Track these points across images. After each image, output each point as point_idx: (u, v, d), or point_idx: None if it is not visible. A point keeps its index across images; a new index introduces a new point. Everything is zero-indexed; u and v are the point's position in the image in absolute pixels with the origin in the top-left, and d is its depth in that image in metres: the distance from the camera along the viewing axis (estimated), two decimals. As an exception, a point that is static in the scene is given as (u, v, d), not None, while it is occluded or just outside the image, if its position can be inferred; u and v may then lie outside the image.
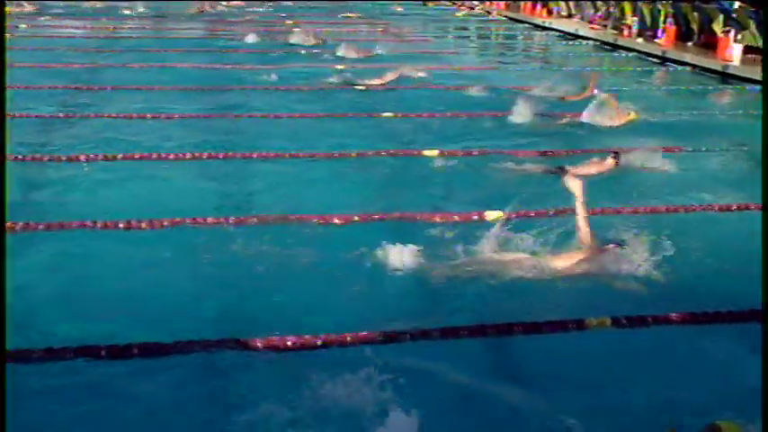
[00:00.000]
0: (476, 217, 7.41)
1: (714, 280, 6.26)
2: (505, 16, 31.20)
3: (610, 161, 9.05)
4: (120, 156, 9.17)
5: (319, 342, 4.99)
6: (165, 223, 6.97)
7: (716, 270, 6.40)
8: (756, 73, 16.19)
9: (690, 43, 20.41)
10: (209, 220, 7.11)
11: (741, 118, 12.71)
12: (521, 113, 11.96)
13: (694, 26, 20.56)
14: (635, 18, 22.58)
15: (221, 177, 8.72)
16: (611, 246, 6.36)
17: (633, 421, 4.36)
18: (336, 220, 7.21)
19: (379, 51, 18.88)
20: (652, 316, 5.47)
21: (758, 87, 15.45)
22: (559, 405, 4.44)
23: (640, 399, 4.57)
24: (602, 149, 9.87)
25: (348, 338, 5.03)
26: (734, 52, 17.32)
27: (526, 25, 28.27)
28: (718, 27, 19.14)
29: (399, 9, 33.00)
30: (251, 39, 20.93)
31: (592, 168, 9.01)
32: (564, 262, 6.28)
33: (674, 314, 5.49)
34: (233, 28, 24.33)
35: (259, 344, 4.91)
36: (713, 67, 17.47)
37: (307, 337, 5.00)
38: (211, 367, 4.81)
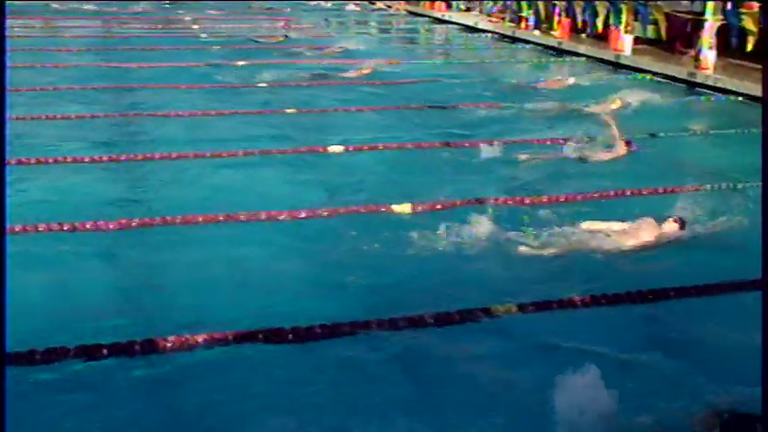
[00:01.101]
0: (383, 210, 7.47)
1: (615, 264, 6.49)
2: (406, 10, 31.43)
3: (623, 147, 9.58)
4: (14, 161, 8.82)
5: (232, 337, 4.94)
6: (66, 227, 6.76)
7: (617, 254, 6.64)
8: (645, 62, 16.86)
9: (584, 35, 21.06)
10: (111, 224, 6.93)
11: (635, 105, 13.18)
12: (426, 106, 12.12)
13: (586, 18, 21.24)
14: (531, 11, 23.14)
15: (122, 180, 8.51)
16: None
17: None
18: (242, 218, 7.14)
19: (284, 48, 18.78)
20: (557, 301, 5.62)
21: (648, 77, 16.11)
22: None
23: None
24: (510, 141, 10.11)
25: (260, 335, 5.00)
26: (625, 43, 17.98)
27: (427, 19, 28.57)
28: (600, 21, 19.85)
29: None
30: (149, 36, 20.47)
31: (605, 155, 9.54)
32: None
33: (576, 297, 5.66)
34: (131, 26, 23.72)
35: (168, 343, 4.83)
36: (606, 57, 18.08)
37: (217, 335, 4.95)
38: (120, 372, 4.71)
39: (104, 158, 9.12)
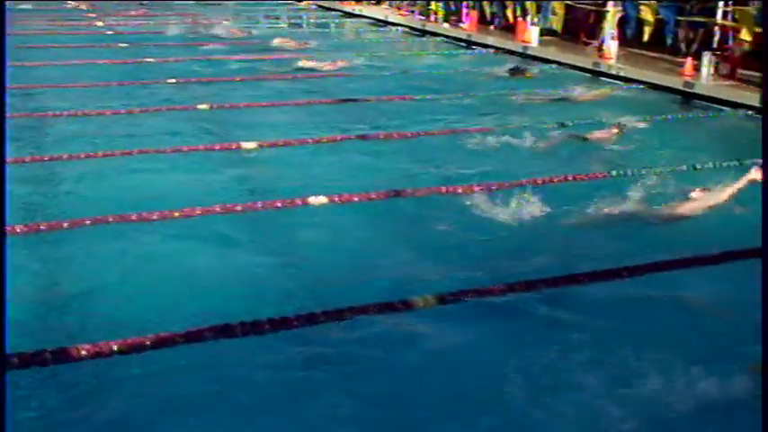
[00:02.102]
0: (300, 203, 7.44)
1: (519, 251, 6.63)
2: (316, 5, 31.32)
3: (614, 131, 10.36)
4: None
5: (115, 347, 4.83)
6: (-31, 233, 6.49)
7: (523, 241, 6.80)
8: (551, 53, 17.28)
9: (492, 27, 21.43)
10: (18, 227, 6.69)
11: (546, 96, 13.52)
12: (340, 100, 12.14)
13: (493, 11, 21.63)
14: (440, 3, 23.40)
15: (29, 181, 8.22)
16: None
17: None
18: (155, 217, 7.00)
19: (196, 44, 18.52)
20: (474, 290, 5.69)
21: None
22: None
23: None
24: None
25: (179, 337, 4.91)
26: (531, 34, 18.39)
27: (337, 13, 28.55)
28: (511, 12, 20.23)
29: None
30: (52, 34, 19.84)
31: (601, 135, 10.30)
32: None
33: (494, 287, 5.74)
34: (33, 23, 22.89)
35: (83, 351, 4.70)
36: (514, 48, 18.44)
37: (131, 340, 4.84)
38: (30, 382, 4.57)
39: (9, 160, 8.77)
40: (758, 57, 13.98)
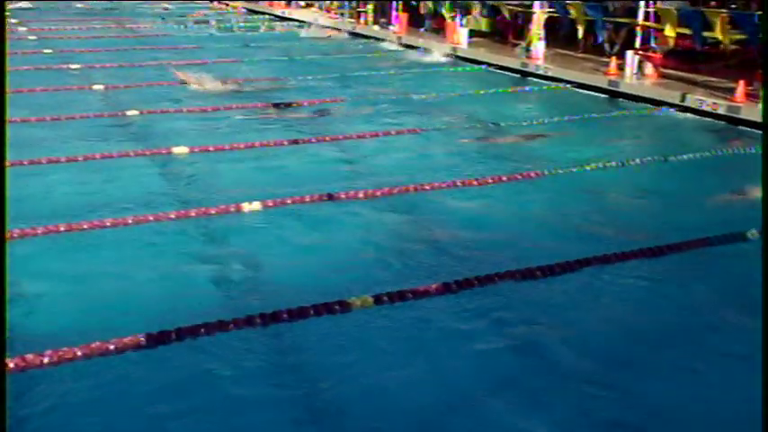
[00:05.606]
0: (233, 210, 7.40)
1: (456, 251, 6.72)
2: (245, 9, 31.12)
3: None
4: None
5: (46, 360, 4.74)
6: None
7: (455, 240, 6.89)
8: (480, 54, 17.49)
9: (422, 29, 21.60)
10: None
11: (475, 95, 13.70)
12: (272, 104, 12.12)
13: (423, 12, 21.81)
14: (370, 5, 23.48)
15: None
16: None
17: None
18: (85, 226, 6.87)
19: (122, 49, 18.21)
20: (411, 290, 5.74)
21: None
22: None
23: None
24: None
25: (111, 346, 4.85)
26: (461, 36, 18.60)
27: (267, 17, 28.41)
28: (446, 12, 20.42)
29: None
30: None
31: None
32: None
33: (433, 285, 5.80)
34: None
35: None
36: (444, 50, 18.60)
37: (62, 351, 4.76)
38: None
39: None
40: (680, 55, 14.43)
